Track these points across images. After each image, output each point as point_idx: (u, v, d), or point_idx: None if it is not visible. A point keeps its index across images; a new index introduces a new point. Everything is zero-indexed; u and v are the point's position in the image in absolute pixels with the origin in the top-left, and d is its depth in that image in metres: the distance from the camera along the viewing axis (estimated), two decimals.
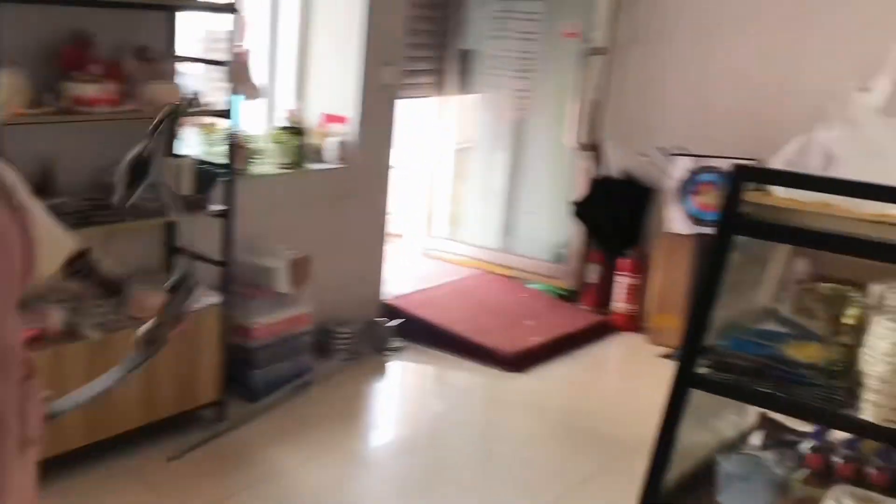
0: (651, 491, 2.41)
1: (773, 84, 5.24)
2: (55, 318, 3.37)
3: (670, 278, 5.47)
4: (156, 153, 2.04)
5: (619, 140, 5.79)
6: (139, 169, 2.09)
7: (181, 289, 2.13)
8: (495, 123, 6.23)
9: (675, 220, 5.41)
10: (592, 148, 5.79)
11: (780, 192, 2.34)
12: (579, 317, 5.73)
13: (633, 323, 5.72)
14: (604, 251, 5.85)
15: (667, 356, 5.37)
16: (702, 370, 2.36)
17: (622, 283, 5.75)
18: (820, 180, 2.20)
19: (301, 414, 4.25)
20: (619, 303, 5.77)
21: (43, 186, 3.48)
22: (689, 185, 5.34)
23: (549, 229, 6.14)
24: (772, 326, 2.48)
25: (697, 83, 5.52)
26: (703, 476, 2.58)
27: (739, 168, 2.28)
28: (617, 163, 5.79)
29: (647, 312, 5.61)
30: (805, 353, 2.20)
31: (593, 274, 5.88)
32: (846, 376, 2.10)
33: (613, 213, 5.78)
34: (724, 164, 5.21)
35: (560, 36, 5.88)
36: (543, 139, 6.11)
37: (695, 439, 2.76)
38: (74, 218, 3.41)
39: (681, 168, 5.36)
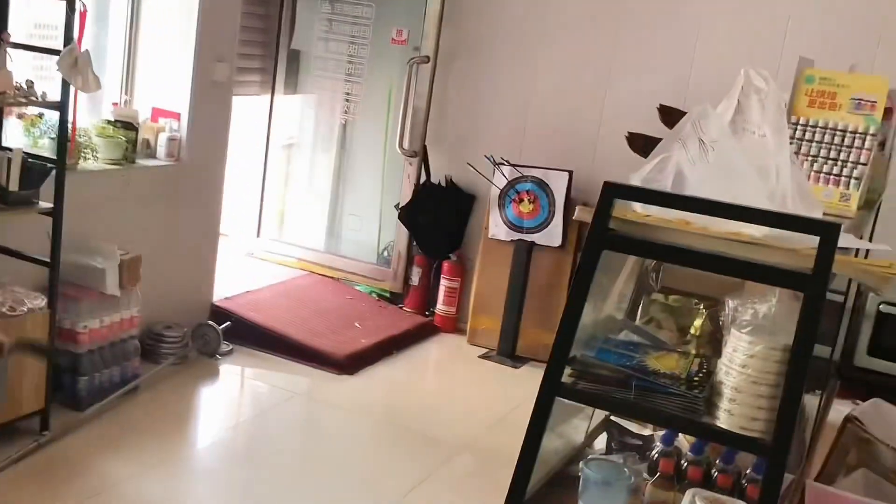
0: (516, 499, 2.49)
1: (588, 97, 5.54)
2: None
3: (490, 282, 5.66)
4: None
5: (442, 147, 5.92)
6: None
7: None
8: (322, 125, 6.21)
9: (496, 226, 5.60)
10: (417, 154, 5.88)
11: (637, 209, 2.48)
12: (403, 319, 5.82)
13: (454, 324, 5.88)
14: (427, 255, 5.97)
15: (485, 356, 5.57)
16: (567, 380, 2.47)
17: (444, 286, 5.89)
18: (684, 199, 2.35)
19: (129, 421, 4.08)
20: (441, 305, 5.90)
21: None
22: (510, 194, 5.54)
23: (374, 232, 6.20)
24: (625, 336, 2.63)
25: (517, 95, 5.74)
26: (558, 481, 2.70)
27: (609, 185, 2.39)
28: (440, 169, 5.92)
29: (468, 314, 5.78)
30: (665, 363, 2.36)
31: (416, 277, 5.99)
32: (705, 386, 2.27)
33: (436, 218, 5.90)
34: (542, 175, 5.47)
35: (388, 42, 5.94)
36: (370, 143, 6.15)
37: (547, 445, 2.88)
38: None
39: (502, 177, 5.55)
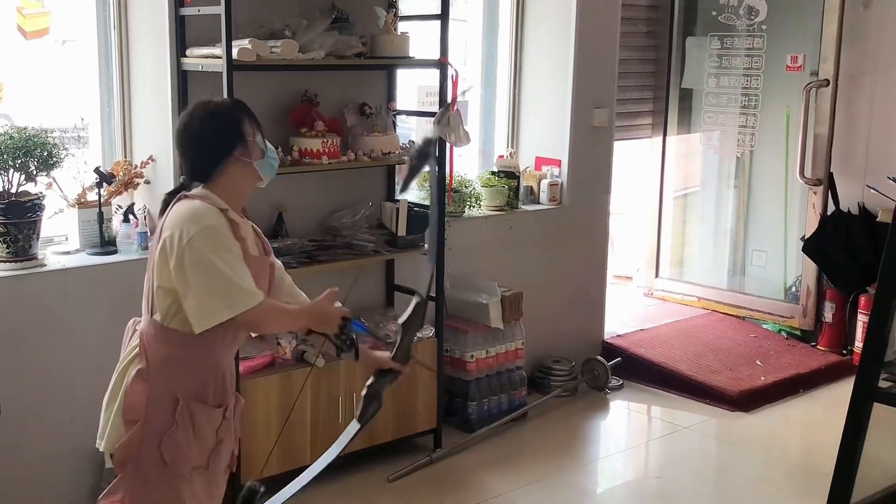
0: None
1: None
2: (286, 346, 3.75)
3: None
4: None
5: (851, 173, 5.56)
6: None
7: (411, 326, 2.39)
8: (719, 162, 6.18)
9: None
10: (821, 182, 5.59)
11: None
12: (813, 357, 5.49)
13: None
14: (840, 288, 5.60)
15: None
16: (882, 384, 2.29)
17: (862, 321, 5.46)
18: None
19: (516, 444, 4.40)
20: (860, 343, 5.47)
21: (276, 230, 3.92)
22: None
23: (780, 267, 5.96)
24: None
25: None
26: None
27: None
28: (852, 196, 5.55)
29: None
30: None
31: (829, 313, 5.64)
32: None
33: (849, 249, 5.52)
34: None
35: (782, 70, 5.78)
36: (770, 175, 5.97)
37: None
38: (302, 257, 3.81)
39: None
